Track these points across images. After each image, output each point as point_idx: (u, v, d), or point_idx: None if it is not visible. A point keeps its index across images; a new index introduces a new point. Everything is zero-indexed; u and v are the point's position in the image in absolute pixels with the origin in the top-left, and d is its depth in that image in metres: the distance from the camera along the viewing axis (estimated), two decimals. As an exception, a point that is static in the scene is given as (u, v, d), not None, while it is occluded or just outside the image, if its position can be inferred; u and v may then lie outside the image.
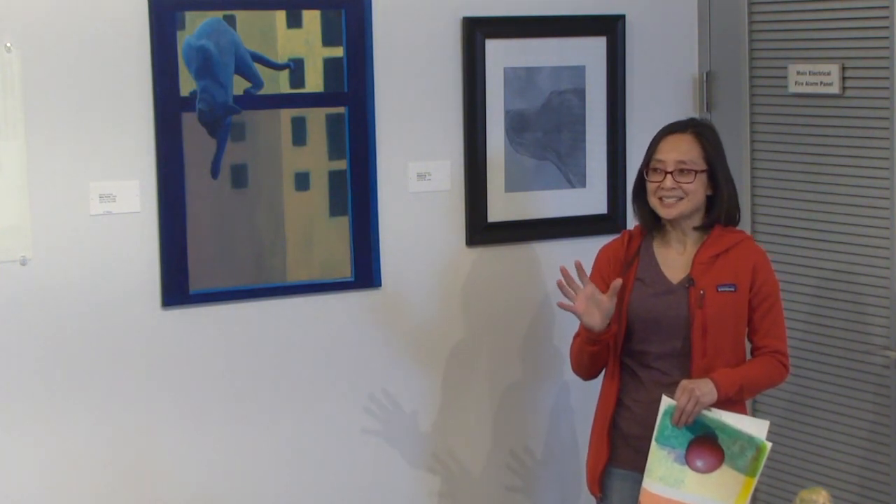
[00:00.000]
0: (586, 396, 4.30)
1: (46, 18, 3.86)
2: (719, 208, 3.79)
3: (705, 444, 3.65)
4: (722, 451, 3.63)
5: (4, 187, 3.84)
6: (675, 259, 3.81)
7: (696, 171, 3.73)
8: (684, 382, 3.65)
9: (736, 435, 3.62)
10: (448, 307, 4.48)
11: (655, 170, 3.76)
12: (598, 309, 3.70)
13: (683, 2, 4.78)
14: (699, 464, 3.65)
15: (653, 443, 3.67)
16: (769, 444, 3.59)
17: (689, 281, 3.76)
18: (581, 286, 3.71)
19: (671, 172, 3.73)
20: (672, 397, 3.65)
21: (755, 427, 3.63)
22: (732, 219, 3.84)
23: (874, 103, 4.23)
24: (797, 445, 4.57)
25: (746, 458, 3.60)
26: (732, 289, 3.75)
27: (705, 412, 3.65)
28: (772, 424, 4.56)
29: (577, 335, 3.87)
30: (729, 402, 3.71)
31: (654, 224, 3.84)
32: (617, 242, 3.91)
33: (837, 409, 4.43)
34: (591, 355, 3.81)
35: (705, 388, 3.64)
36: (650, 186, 3.78)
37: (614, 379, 3.84)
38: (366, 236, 4.30)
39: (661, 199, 3.75)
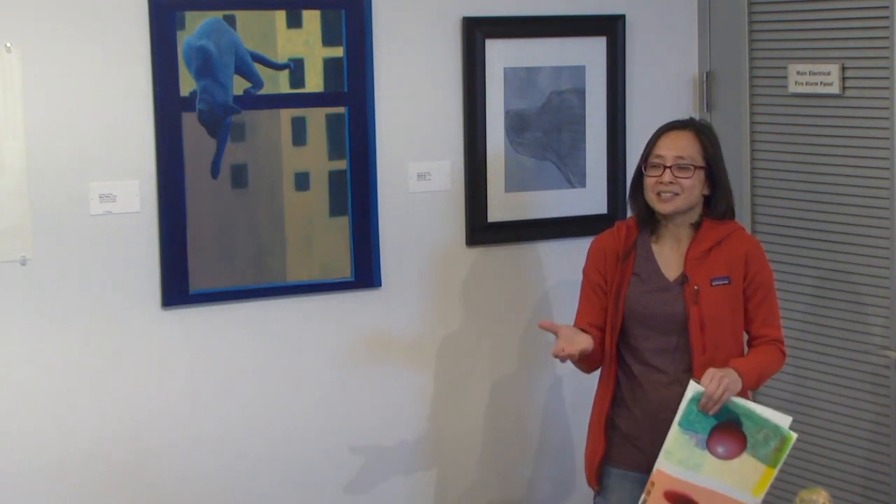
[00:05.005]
0: (582, 395, 4.29)
1: (46, 18, 3.86)
2: (716, 208, 3.79)
3: (728, 430, 3.64)
4: (744, 438, 3.63)
5: (4, 187, 3.84)
6: (670, 256, 3.81)
7: (695, 168, 3.73)
8: (712, 370, 3.62)
9: (762, 423, 3.61)
10: (448, 307, 4.48)
11: (654, 165, 3.76)
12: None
13: (683, 2, 4.78)
14: (720, 450, 3.63)
15: (675, 426, 3.63)
16: (795, 435, 3.59)
17: (683, 277, 3.75)
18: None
19: (670, 167, 3.72)
20: (685, 389, 3.63)
21: (780, 419, 3.63)
22: (725, 217, 3.83)
23: (874, 103, 4.23)
24: (797, 445, 4.54)
25: (769, 447, 3.60)
26: (726, 281, 3.76)
27: (734, 398, 3.64)
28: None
29: None
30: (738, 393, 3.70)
31: (649, 220, 3.83)
32: (611, 234, 3.88)
33: (837, 409, 4.43)
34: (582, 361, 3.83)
35: (733, 377, 3.63)
36: (648, 181, 3.76)
37: (611, 374, 3.83)
38: (366, 236, 4.30)
39: (658, 193, 3.74)
